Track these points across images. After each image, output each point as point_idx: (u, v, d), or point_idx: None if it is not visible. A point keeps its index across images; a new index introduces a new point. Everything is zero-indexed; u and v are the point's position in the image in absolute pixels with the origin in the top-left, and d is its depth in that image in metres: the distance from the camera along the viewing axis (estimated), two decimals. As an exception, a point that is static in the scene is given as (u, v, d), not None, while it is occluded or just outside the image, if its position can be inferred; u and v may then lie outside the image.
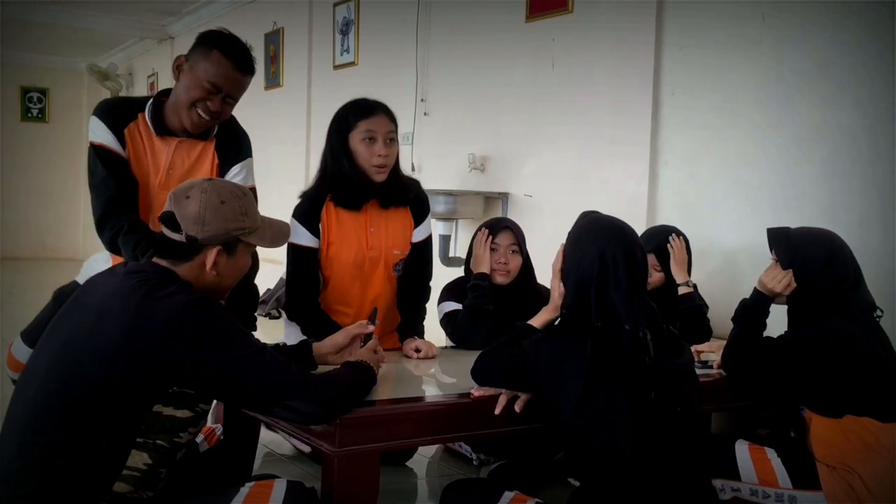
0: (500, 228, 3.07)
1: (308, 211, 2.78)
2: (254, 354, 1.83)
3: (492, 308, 2.94)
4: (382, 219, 2.85)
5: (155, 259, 1.93)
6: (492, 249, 3.04)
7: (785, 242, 2.67)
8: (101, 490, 1.76)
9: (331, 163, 2.78)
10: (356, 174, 2.73)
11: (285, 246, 2.70)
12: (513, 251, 3.04)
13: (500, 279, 3.03)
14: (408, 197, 2.87)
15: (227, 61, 2.49)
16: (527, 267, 3.10)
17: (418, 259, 2.96)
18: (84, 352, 1.75)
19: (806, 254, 2.61)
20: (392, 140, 2.72)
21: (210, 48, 2.49)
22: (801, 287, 2.61)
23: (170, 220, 1.89)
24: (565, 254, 2.22)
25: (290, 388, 1.87)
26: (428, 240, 3.00)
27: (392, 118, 2.77)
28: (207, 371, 1.79)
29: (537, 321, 2.32)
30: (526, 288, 3.09)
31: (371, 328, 2.34)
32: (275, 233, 2.06)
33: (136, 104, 2.65)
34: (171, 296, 1.78)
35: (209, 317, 1.80)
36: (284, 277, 2.91)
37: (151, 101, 2.64)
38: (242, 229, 1.94)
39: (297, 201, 2.89)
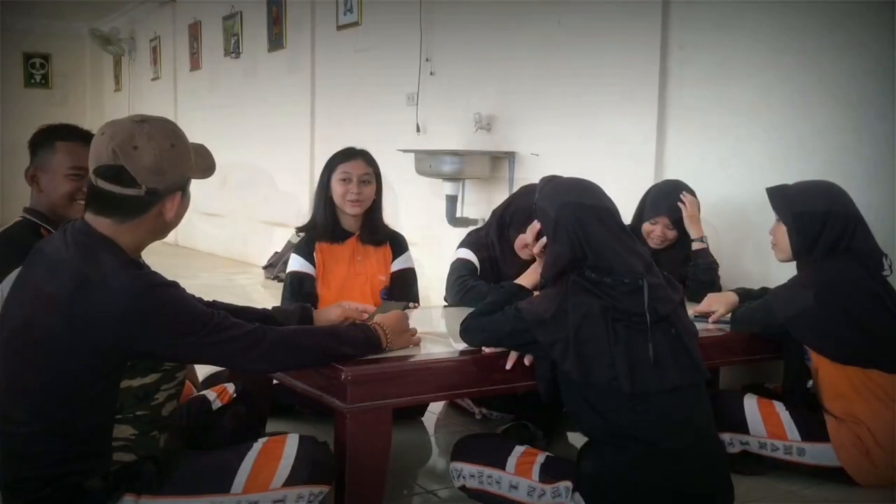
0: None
1: (304, 244, 3.13)
2: (210, 333, 1.78)
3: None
4: (365, 251, 3.16)
5: (92, 218, 1.79)
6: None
7: (783, 199, 2.70)
8: (95, 468, 1.75)
9: (316, 204, 3.17)
10: (333, 214, 3.11)
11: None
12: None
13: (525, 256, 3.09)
14: (379, 238, 3.17)
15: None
16: None
17: (402, 285, 3.17)
18: (31, 341, 1.72)
19: (804, 209, 2.64)
20: (366, 182, 3.07)
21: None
22: (805, 241, 2.63)
23: (118, 174, 1.74)
24: (540, 227, 2.27)
25: (248, 354, 1.85)
26: (408, 270, 3.21)
27: (370, 163, 3.12)
28: (164, 353, 1.78)
29: (527, 281, 2.39)
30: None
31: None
32: (205, 161, 1.93)
33: None
34: (113, 283, 1.69)
35: (157, 306, 1.72)
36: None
37: None
38: (192, 168, 1.86)
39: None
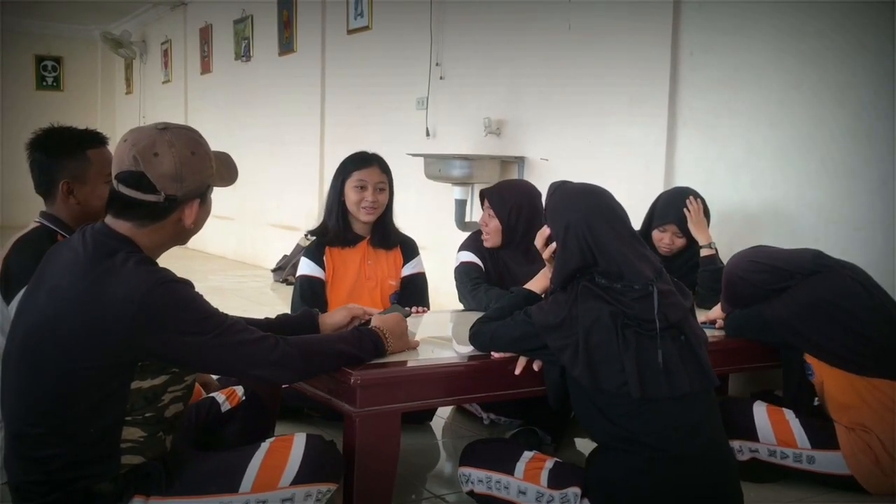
0: (482, 198, 3.22)
1: (315, 248, 3.12)
2: (222, 334, 1.78)
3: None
4: (375, 255, 3.16)
5: (112, 220, 1.81)
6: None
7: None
8: (105, 472, 1.75)
9: (328, 209, 3.14)
10: (345, 220, 3.10)
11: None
12: (489, 215, 3.14)
13: (486, 244, 3.15)
14: (390, 243, 3.17)
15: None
16: (510, 229, 3.11)
17: (412, 290, 3.17)
18: (46, 342, 1.72)
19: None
20: (382, 189, 3.07)
21: None
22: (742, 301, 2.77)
23: (139, 181, 1.76)
24: (549, 233, 2.26)
25: (261, 361, 1.85)
26: (419, 275, 3.22)
27: (385, 170, 3.11)
28: (175, 354, 1.76)
29: (536, 286, 2.38)
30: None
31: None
32: (228, 170, 1.95)
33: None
34: (127, 278, 1.69)
35: (170, 300, 1.72)
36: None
37: None
38: (212, 176, 1.87)
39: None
